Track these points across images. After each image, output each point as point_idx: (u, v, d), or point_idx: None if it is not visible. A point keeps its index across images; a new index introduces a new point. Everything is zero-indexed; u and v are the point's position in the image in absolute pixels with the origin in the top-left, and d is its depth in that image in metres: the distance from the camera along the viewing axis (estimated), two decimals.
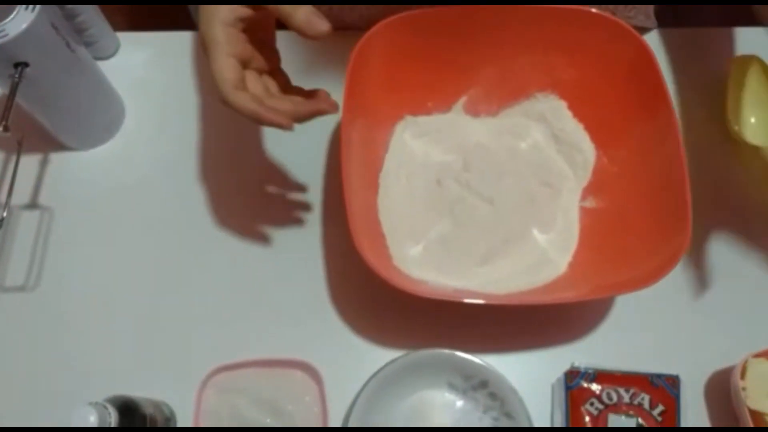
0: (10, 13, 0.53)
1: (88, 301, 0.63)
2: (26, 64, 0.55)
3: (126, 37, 0.75)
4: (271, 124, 0.48)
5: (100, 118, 0.69)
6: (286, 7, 0.47)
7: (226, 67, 0.48)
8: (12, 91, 0.55)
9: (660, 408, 0.57)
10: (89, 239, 0.66)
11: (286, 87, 0.55)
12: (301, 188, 0.68)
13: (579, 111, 0.67)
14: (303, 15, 0.47)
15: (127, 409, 0.50)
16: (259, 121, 0.48)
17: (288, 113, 0.50)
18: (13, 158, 0.61)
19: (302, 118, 0.51)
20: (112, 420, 0.47)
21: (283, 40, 0.74)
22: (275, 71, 0.54)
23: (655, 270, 0.53)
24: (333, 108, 0.52)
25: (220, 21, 0.48)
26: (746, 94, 0.70)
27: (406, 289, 0.53)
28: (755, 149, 0.66)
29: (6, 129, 0.54)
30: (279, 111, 0.49)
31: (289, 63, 0.73)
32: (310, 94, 0.54)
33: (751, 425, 0.54)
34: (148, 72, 0.74)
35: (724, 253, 0.65)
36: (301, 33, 0.48)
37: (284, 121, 0.48)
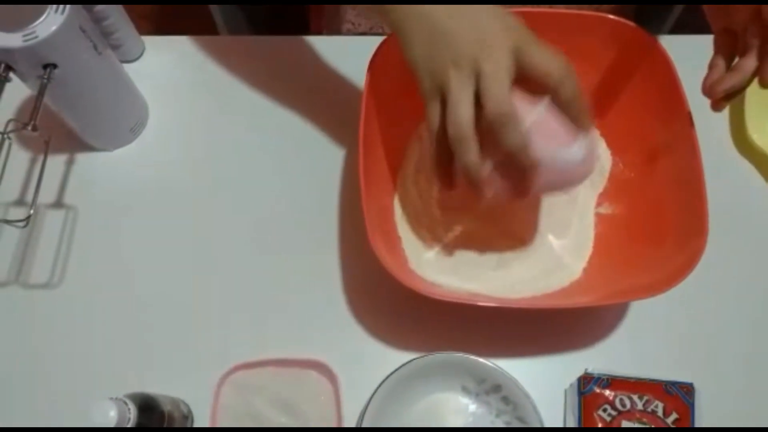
0: (40, 15, 0.54)
1: (109, 299, 0.65)
2: (55, 66, 0.56)
3: (151, 41, 0.77)
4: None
5: (124, 119, 0.70)
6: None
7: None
8: (40, 92, 0.56)
9: (674, 416, 0.57)
10: (112, 238, 0.67)
11: None
12: (320, 190, 0.69)
13: (595, 117, 0.67)
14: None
15: (146, 405, 0.51)
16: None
17: None
18: (41, 158, 0.62)
19: None
20: (132, 416, 0.48)
21: (298, 45, 0.76)
22: None
23: (670, 276, 0.53)
24: None
25: None
26: (765, 102, 0.70)
27: (421, 292, 0.54)
28: None
29: (34, 129, 0.55)
30: None
31: (308, 67, 0.75)
32: None
33: None
34: (171, 75, 0.76)
35: (740, 259, 0.65)
36: None
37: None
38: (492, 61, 0.46)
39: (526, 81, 0.47)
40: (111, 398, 0.48)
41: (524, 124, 0.47)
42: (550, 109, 0.49)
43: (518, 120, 0.46)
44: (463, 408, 0.59)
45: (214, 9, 0.90)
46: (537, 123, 0.48)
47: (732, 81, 0.52)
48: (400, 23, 0.50)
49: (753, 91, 0.69)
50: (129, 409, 0.48)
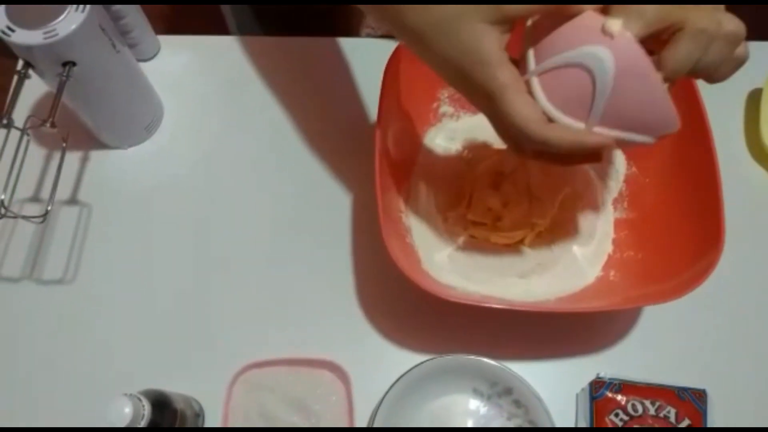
0: (61, 13, 0.55)
1: (123, 296, 0.65)
2: (74, 64, 0.57)
3: (166, 40, 0.77)
4: (597, 145, 0.43)
5: (140, 117, 0.70)
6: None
7: (527, 107, 0.42)
8: (59, 89, 0.56)
9: (686, 422, 0.57)
10: (126, 235, 0.68)
11: None
12: (334, 189, 0.69)
13: None
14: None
15: (160, 402, 0.51)
16: (584, 147, 0.43)
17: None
18: (56, 154, 0.63)
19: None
20: (146, 412, 0.48)
21: (314, 44, 0.76)
22: None
23: (685, 282, 0.53)
24: None
25: (499, 60, 0.42)
26: None
27: (435, 294, 0.54)
28: None
29: (53, 125, 0.55)
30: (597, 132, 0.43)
31: (323, 68, 0.75)
32: None
33: None
34: (186, 74, 0.76)
35: (756, 266, 0.65)
36: None
37: (609, 141, 0.43)
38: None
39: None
40: (125, 394, 0.48)
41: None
42: None
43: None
44: (475, 410, 0.59)
45: (226, 11, 0.90)
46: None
47: None
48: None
49: None
50: (143, 406, 0.48)
